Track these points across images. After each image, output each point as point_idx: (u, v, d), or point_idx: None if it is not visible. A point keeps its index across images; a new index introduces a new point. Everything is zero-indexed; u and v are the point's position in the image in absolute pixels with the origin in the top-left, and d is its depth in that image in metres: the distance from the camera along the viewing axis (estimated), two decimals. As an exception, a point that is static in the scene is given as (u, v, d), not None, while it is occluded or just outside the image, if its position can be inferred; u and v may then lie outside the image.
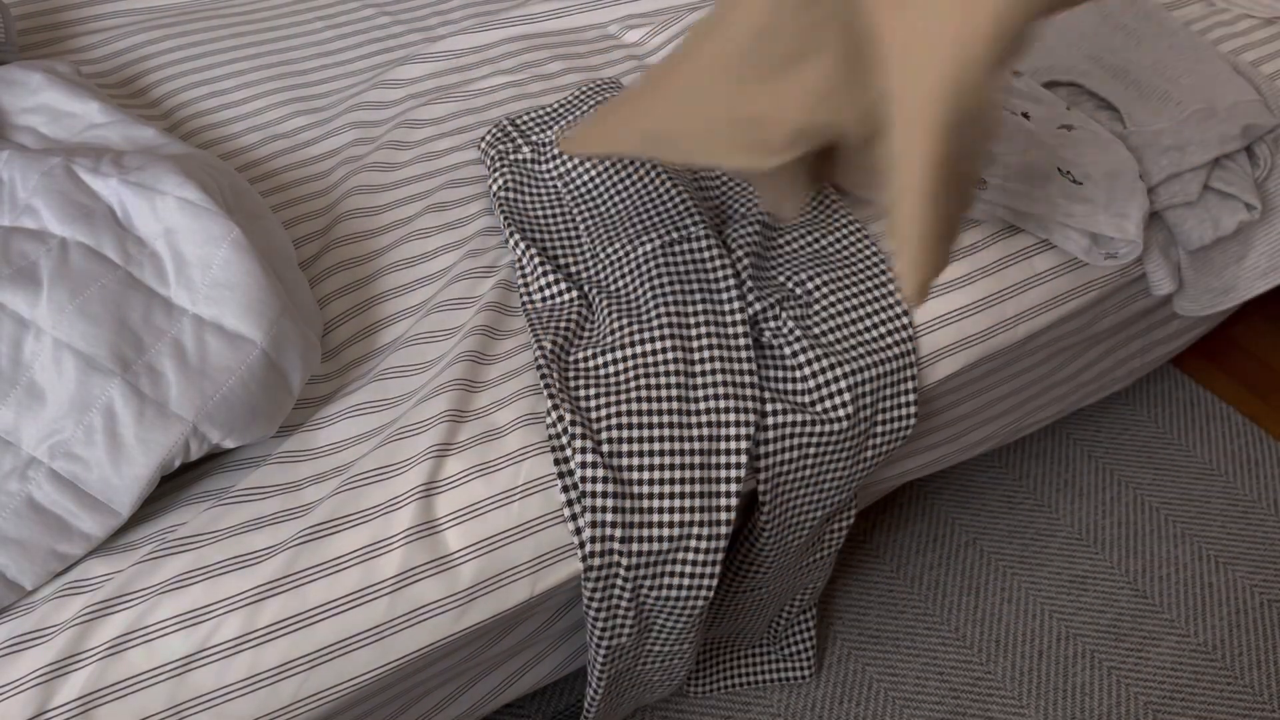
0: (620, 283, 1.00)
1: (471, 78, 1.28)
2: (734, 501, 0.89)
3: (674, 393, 0.90)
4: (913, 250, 0.57)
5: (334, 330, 1.00)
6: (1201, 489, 1.51)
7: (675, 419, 0.90)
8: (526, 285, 1.01)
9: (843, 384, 0.94)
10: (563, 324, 0.97)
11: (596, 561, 0.87)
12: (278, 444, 0.90)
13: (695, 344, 0.93)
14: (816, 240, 1.05)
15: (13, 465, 0.77)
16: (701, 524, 0.88)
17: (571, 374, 0.93)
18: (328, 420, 0.92)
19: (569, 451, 0.88)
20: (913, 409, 1.00)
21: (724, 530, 0.89)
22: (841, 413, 0.94)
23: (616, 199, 1.05)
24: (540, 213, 1.07)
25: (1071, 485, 1.51)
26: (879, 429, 0.99)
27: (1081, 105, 1.27)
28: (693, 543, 0.88)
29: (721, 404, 0.91)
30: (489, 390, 0.94)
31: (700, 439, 0.89)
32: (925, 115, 0.46)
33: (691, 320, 0.94)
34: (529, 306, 1.00)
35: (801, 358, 0.95)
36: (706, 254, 0.98)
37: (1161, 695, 1.28)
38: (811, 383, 0.94)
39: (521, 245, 1.03)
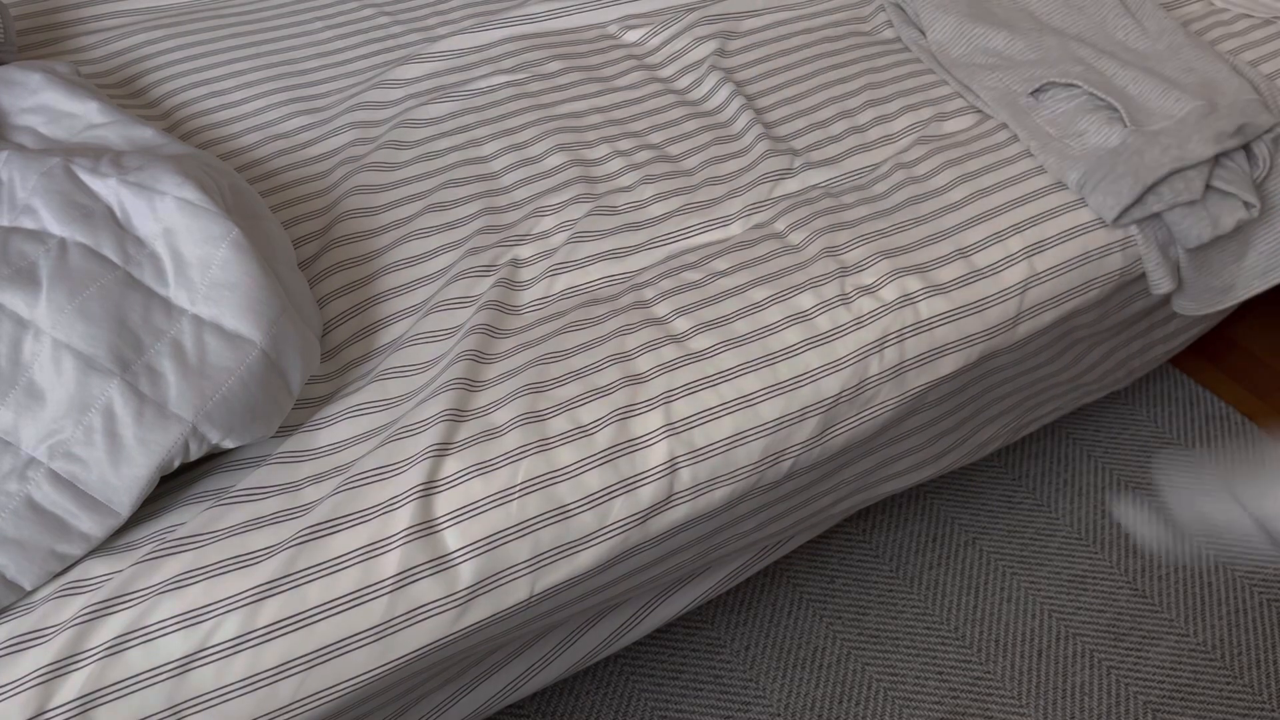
0: None
1: (471, 77, 1.29)
2: None
3: None
4: None
5: (334, 330, 1.00)
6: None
7: None
8: None
9: None
10: None
11: None
12: (277, 444, 0.90)
13: None
14: None
15: (12, 465, 0.77)
16: None
17: None
18: (327, 420, 0.92)
19: None
20: None
21: None
22: None
23: None
24: None
25: (1071, 485, 1.51)
26: None
27: (1080, 105, 1.27)
28: None
29: None
30: (488, 390, 0.94)
31: None
32: None
33: None
34: None
35: None
36: None
37: (1161, 695, 1.28)
38: None
39: None
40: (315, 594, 0.80)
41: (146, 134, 0.98)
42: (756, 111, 1.28)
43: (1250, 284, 1.28)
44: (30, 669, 0.74)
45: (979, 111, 1.31)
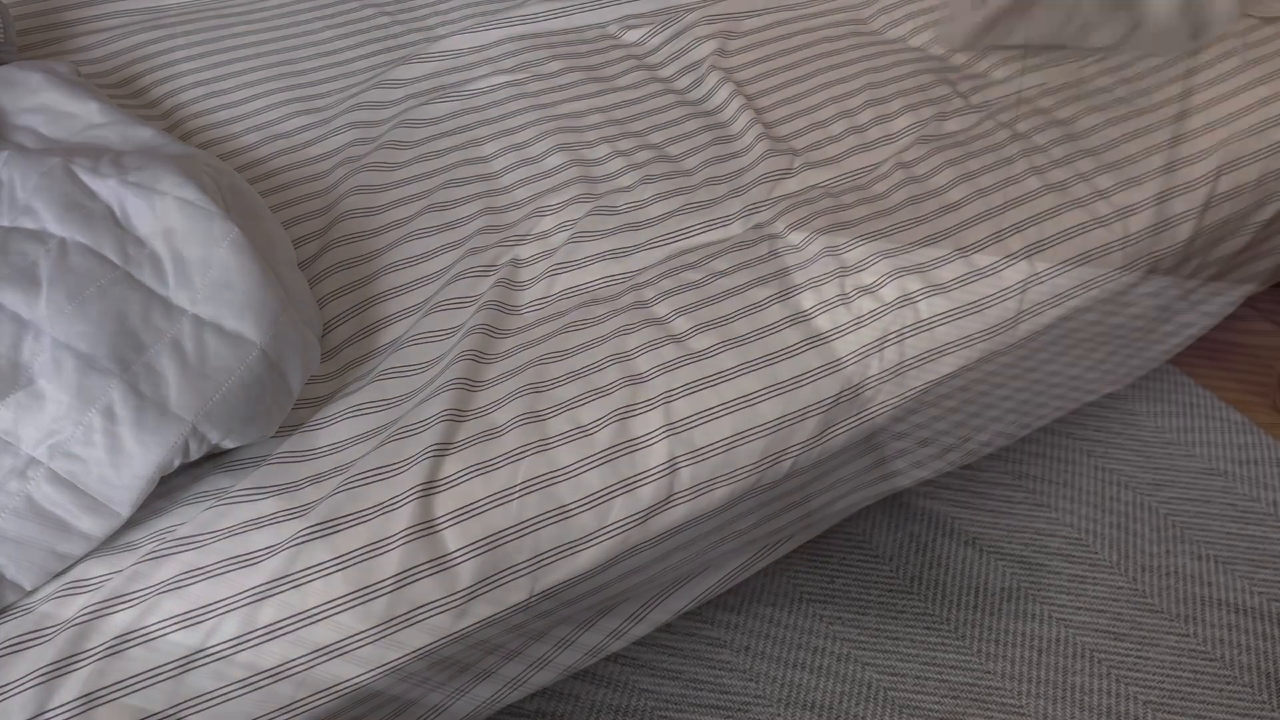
0: None
1: (471, 77, 1.29)
2: None
3: None
4: None
5: (334, 330, 1.00)
6: (1201, 489, 1.51)
7: None
8: None
9: None
10: None
11: None
12: (277, 444, 0.90)
13: None
14: None
15: (12, 465, 0.77)
16: None
17: None
18: (327, 420, 0.92)
19: None
20: None
21: None
22: None
23: None
24: None
25: (1071, 485, 1.51)
26: None
27: None
28: None
29: None
30: (488, 390, 0.94)
31: None
32: None
33: None
34: None
35: None
36: None
37: (1161, 695, 1.28)
38: None
39: None
40: (315, 594, 0.80)
41: (146, 134, 0.98)
42: (756, 111, 1.28)
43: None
44: (30, 669, 0.74)
45: (979, 111, 1.31)
